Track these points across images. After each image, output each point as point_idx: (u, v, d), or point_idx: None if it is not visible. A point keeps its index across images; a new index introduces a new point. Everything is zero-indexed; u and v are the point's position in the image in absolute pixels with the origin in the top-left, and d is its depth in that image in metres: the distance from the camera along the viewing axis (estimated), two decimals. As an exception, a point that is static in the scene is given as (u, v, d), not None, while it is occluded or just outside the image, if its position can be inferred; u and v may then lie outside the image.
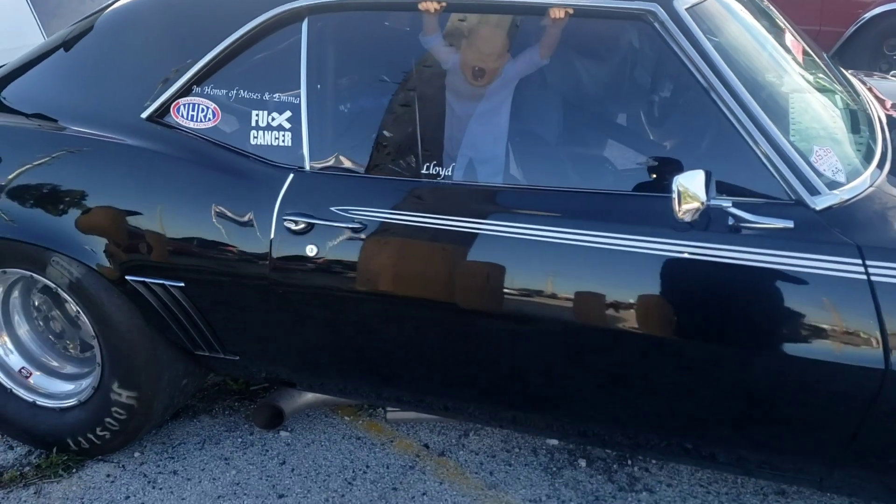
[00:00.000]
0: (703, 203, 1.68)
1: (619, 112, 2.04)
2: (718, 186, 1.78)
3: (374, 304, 2.07)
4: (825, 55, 2.49)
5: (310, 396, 2.53)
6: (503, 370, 2.11)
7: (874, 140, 2.02)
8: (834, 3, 5.20)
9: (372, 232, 1.98)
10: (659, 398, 2.00)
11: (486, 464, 2.43)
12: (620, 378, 2.00)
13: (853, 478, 1.94)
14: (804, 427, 1.87)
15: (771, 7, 2.51)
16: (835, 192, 1.76)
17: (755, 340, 1.81)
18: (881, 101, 2.36)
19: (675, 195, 1.68)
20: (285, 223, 2.01)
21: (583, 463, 2.42)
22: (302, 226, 2.00)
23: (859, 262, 1.68)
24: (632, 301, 1.86)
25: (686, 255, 1.76)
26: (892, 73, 2.82)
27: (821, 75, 2.26)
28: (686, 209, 1.69)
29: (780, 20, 2.46)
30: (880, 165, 1.92)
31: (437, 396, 2.28)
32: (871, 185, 1.83)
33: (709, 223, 1.77)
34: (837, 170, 1.80)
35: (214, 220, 2.06)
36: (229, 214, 2.06)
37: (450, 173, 2.04)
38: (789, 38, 2.35)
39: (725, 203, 1.71)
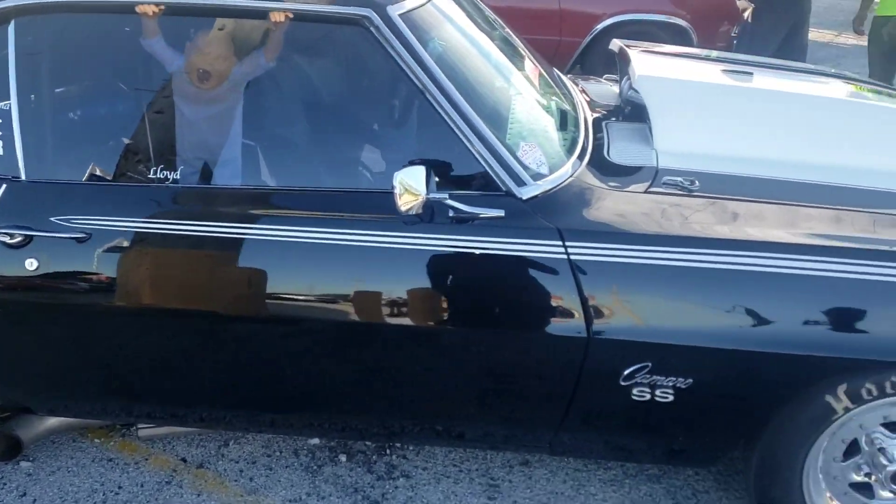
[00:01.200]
0: (422, 197, 1.79)
1: (349, 111, 2.11)
2: (445, 181, 1.91)
3: (109, 318, 2.00)
4: (543, 61, 2.73)
5: (52, 421, 2.38)
6: (255, 375, 2.12)
7: (578, 136, 2.25)
8: (571, 16, 5.66)
9: (99, 241, 1.91)
10: (407, 386, 2.10)
11: (246, 471, 2.42)
12: (370, 371, 2.08)
13: (578, 440, 2.15)
14: (531, 397, 2.05)
15: (496, 17, 2.72)
16: (538, 182, 1.95)
17: (480, 322, 1.95)
18: (589, 102, 2.63)
19: (396, 190, 1.78)
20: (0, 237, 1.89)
21: (343, 458, 2.48)
22: (18, 239, 1.89)
23: (560, 243, 1.87)
24: (373, 294, 1.95)
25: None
26: (605, 76, 3.14)
27: (536, 78, 2.48)
28: (407, 203, 1.79)
29: (504, 29, 2.67)
30: (581, 157, 2.15)
31: (191, 408, 2.25)
32: (571, 176, 2.04)
33: (433, 216, 1.89)
34: (541, 163, 2.00)
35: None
36: (-66, 231, 1.89)
37: (180, 177, 2.02)
38: (510, 45, 2.56)
39: (442, 196, 1.84)
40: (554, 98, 2.43)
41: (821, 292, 1.83)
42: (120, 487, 2.33)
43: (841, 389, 1.88)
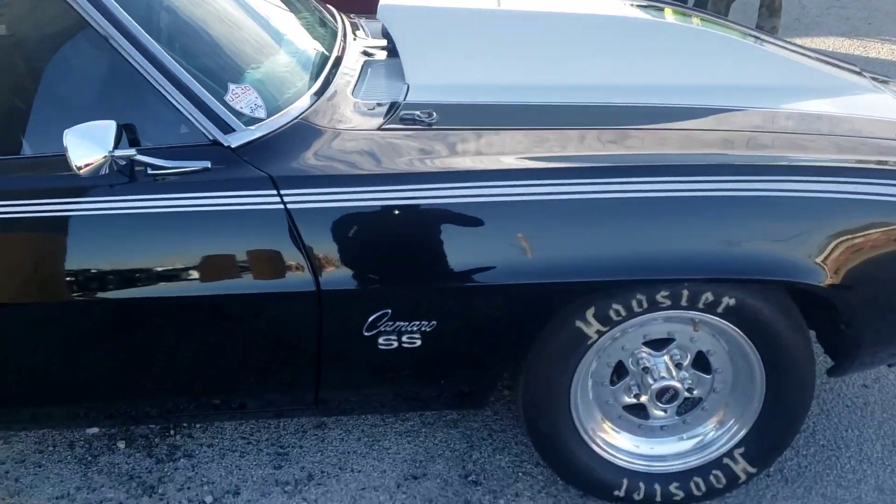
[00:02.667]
0: (103, 155, 1.61)
1: (35, 68, 1.90)
2: (148, 135, 1.74)
3: None
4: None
5: None
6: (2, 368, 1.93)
7: (320, 76, 2.08)
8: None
9: None
10: (165, 361, 1.95)
11: (12, 471, 2.24)
12: (125, 350, 1.92)
13: (340, 396, 2.02)
14: (284, 359, 1.93)
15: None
16: (251, 128, 1.79)
17: (212, 286, 1.80)
18: (358, 39, 2.46)
19: (68, 151, 1.60)
20: None
21: (122, 445, 2.32)
22: None
23: (274, 192, 1.73)
24: (90, 268, 1.79)
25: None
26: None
27: (283, 16, 2.30)
28: (88, 164, 1.62)
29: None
30: (318, 96, 1.99)
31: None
32: (296, 118, 1.87)
33: (133, 175, 1.72)
34: (257, 106, 1.83)
35: None
36: None
37: None
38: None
39: (129, 152, 1.66)
40: (301, 36, 2.26)
41: (547, 216, 1.74)
42: None
43: (589, 313, 1.81)
